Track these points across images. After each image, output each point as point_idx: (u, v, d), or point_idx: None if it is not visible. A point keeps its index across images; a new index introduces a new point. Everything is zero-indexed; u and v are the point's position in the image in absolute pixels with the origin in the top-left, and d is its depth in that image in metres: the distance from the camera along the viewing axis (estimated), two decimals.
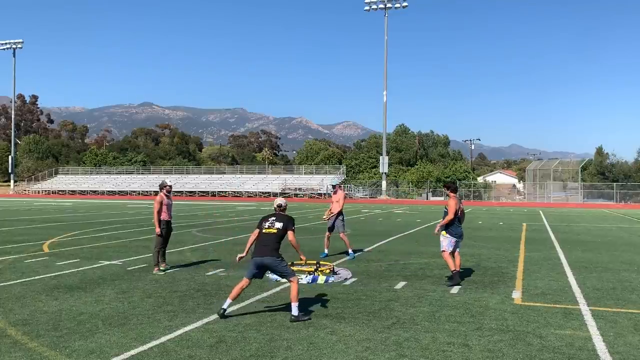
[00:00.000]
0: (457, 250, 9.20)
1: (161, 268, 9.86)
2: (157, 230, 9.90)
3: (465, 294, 8.09)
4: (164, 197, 10.13)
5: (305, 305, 7.24)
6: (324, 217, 12.70)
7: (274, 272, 6.79)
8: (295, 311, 6.45)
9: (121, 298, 7.62)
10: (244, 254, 6.91)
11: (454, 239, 9.07)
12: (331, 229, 12.22)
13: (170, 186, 10.43)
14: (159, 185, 10.39)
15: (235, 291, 6.66)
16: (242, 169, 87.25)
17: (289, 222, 6.84)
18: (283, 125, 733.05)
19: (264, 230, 6.77)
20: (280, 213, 6.98)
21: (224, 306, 6.57)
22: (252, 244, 6.90)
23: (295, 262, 10.45)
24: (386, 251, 13.29)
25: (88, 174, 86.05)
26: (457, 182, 66.87)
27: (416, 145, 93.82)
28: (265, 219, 6.92)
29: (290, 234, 6.77)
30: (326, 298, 7.74)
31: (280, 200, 7.12)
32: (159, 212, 9.98)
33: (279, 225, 6.76)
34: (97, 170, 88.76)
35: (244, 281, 6.71)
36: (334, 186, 12.73)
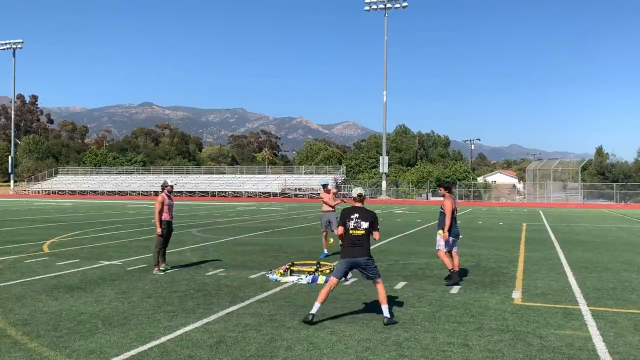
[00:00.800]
0: (455, 249, 9.20)
1: (161, 268, 9.86)
2: (159, 230, 9.89)
3: (465, 294, 8.09)
4: (166, 197, 10.12)
5: (305, 305, 7.24)
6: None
7: (363, 271, 6.56)
8: (387, 312, 6.31)
9: (121, 298, 7.62)
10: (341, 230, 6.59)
11: (450, 238, 9.13)
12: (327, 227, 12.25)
13: (172, 186, 10.42)
14: (161, 186, 10.39)
15: (323, 293, 6.41)
16: (242, 169, 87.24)
17: (374, 221, 6.57)
18: (283, 125, 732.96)
19: (350, 232, 6.53)
20: (362, 208, 6.69)
21: (313, 311, 6.30)
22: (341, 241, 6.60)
23: (295, 262, 10.46)
24: (386, 251, 13.29)
25: (88, 174, 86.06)
26: (457, 182, 66.94)
27: (416, 145, 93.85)
28: (348, 217, 6.56)
29: (376, 235, 6.60)
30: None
31: (360, 190, 6.85)
32: (161, 212, 9.97)
33: (365, 225, 6.51)
34: (97, 170, 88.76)
35: (333, 281, 6.52)
36: (324, 185, 12.63)
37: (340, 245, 6.74)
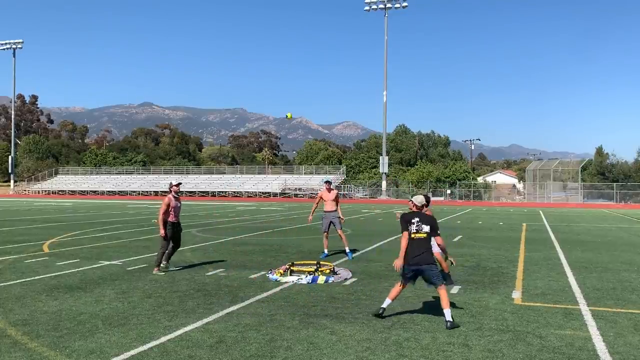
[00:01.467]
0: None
1: (161, 267, 9.85)
2: (162, 231, 9.82)
3: (465, 294, 8.09)
4: (172, 198, 10.02)
5: (305, 305, 7.24)
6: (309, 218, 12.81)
7: (425, 277, 6.54)
8: (449, 317, 6.28)
9: (121, 298, 7.62)
10: (401, 262, 6.57)
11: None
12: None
13: (178, 185, 10.33)
14: (168, 186, 10.34)
15: (393, 293, 6.65)
16: (242, 169, 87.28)
17: (435, 225, 6.64)
18: (283, 125, 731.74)
19: (412, 235, 6.56)
20: (421, 212, 6.70)
21: (384, 306, 6.58)
22: (406, 250, 6.57)
23: (295, 262, 10.46)
24: (386, 251, 13.28)
25: (88, 174, 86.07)
26: (457, 182, 67.04)
27: (416, 145, 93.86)
28: (409, 221, 6.61)
29: (438, 239, 6.72)
30: (326, 298, 7.73)
31: (423, 200, 6.80)
32: (165, 214, 9.85)
33: (426, 228, 6.56)
34: (97, 170, 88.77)
35: (400, 286, 6.65)
36: (327, 182, 12.51)
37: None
